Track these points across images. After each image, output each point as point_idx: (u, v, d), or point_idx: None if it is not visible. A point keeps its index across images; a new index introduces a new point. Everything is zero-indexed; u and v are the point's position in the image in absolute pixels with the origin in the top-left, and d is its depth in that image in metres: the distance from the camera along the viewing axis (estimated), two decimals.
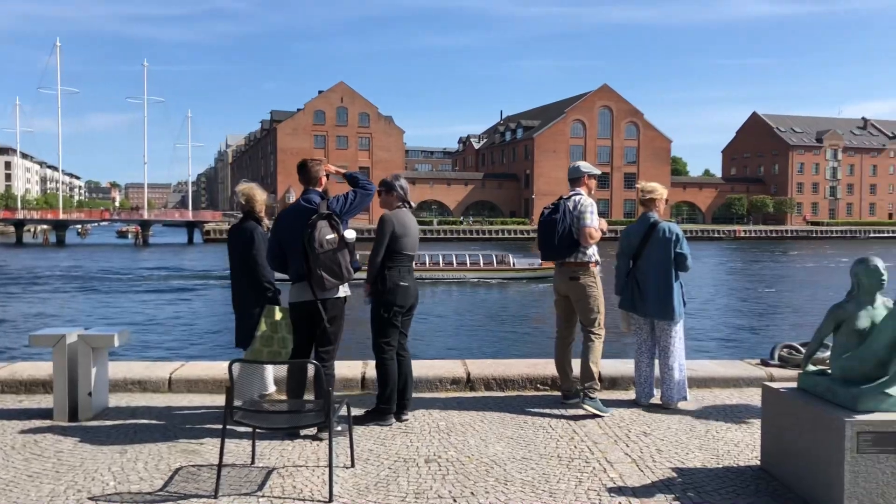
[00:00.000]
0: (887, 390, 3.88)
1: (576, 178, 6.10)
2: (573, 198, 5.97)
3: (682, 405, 6.02)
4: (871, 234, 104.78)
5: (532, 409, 5.92)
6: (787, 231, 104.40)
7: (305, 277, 5.13)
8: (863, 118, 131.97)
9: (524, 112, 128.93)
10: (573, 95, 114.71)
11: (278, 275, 5.66)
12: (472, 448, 4.96)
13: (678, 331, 6.09)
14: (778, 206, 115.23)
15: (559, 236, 5.86)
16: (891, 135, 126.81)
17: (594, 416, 5.66)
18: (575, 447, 4.98)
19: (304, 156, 6.50)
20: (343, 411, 4.60)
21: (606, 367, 6.79)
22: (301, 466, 4.59)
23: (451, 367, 6.78)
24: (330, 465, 4.10)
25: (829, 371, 4.27)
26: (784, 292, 35.72)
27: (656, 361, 6.17)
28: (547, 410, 5.90)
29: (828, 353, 4.73)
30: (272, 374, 6.14)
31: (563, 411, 5.84)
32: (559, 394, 6.36)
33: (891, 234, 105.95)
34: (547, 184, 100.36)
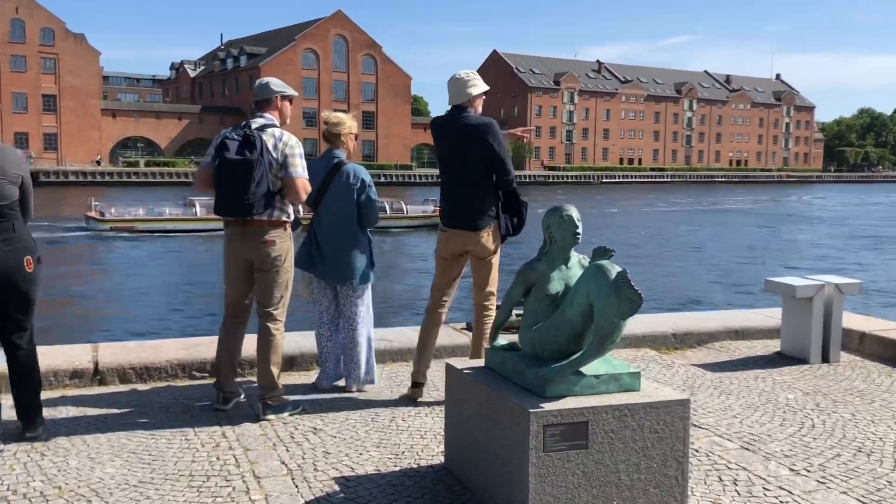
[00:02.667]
0: (581, 369, 3.49)
1: (265, 100, 4.92)
2: (269, 129, 4.77)
3: (369, 388, 5.46)
4: (604, 180, 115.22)
5: (177, 408, 4.99)
6: (525, 176, 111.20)
7: None
8: (598, 61, 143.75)
9: (248, 37, 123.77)
10: (304, 21, 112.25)
11: None
12: (71, 473, 3.95)
13: (365, 298, 5.49)
14: (517, 150, 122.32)
15: (256, 184, 4.59)
16: (623, 79, 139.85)
17: None
18: (217, 458, 4.17)
19: None
20: None
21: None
22: None
23: (74, 355, 5.60)
24: None
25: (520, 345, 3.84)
26: (506, 246, 37.57)
27: (341, 336, 5.53)
28: (198, 405, 5.03)
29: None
30: None
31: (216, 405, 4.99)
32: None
33: (622, 180, 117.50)
34: None
